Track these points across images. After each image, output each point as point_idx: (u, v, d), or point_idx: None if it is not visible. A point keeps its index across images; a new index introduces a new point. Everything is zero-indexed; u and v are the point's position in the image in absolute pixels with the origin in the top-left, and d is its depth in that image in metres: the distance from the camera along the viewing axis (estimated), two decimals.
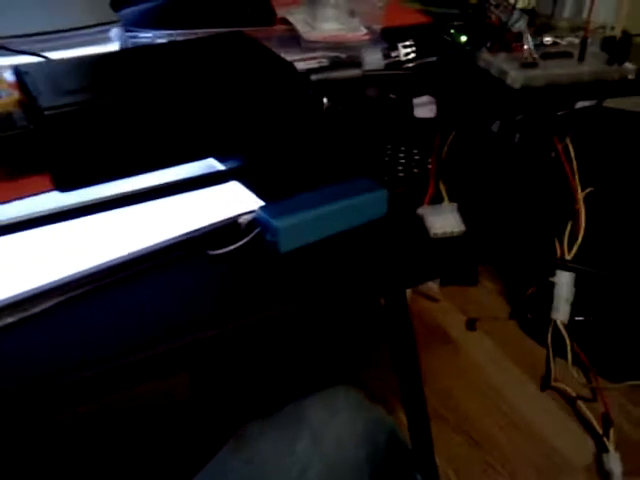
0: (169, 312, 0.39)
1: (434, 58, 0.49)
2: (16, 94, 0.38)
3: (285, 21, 0.62)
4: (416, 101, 0.46)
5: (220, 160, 0.43)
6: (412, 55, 0.49)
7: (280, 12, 0.63)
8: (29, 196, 0.35)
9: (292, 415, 0.56)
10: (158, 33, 0.53)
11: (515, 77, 0.48)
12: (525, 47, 0.49)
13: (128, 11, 0.57)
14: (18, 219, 0.35)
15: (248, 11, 0.56)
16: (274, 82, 0.42)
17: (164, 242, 0.41)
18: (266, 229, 0.41)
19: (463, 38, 0.55)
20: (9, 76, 0.41)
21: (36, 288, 0.36)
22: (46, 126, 0.34)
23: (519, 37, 0.52)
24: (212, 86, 0.40)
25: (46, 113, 0.34)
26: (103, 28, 0.53)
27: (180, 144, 0.40)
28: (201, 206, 0.43)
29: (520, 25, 0.49)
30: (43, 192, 0.35)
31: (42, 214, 0.34)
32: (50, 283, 0.37)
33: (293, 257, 0.41)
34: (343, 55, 0.52)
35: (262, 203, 0.43)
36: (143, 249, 0.40)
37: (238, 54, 0.44)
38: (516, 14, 0.49)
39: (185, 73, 0.41)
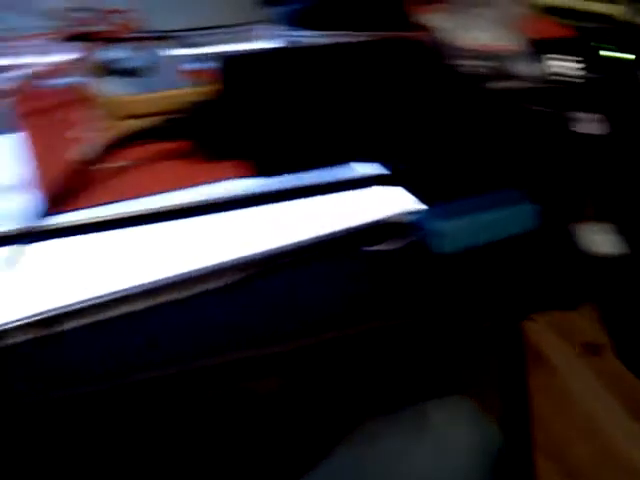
0: (321, 304, 0.40)
1: (598, 75, 0.48)
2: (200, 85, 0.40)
3: (422, 27, 0.62)
4: (582, 116, 0.45)
5: (384, 164, 0.44)
6: (574, 71, 0.48)
7: (421, 19, 0.63)
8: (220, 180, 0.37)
9: (413, 418, 0.57)
10: (312, 33, 0.55)
11: None
12: None
13: (279, 10, 0.59)
14: (205, 202, 0.37)
15: (399, 16, 0.57)
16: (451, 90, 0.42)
17: (322, 236, 0.42)
18: (427, 230, 0.41)
19: (630, 56, 0.53)
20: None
21: (196, 270, 0.37)
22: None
23: None
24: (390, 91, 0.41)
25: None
26: (251, 27, 0.55)
27: (357, 144, 0.41)
28: (360, 204, 0.44)
29: None
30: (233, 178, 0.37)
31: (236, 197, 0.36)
32: (213, 266, 0.38)
33: (446, 261, 0.42)
34: (496, 64, 0.52)
35: (419, 206, 0.43)
36: (302, 241, 0.42)
37: (409, 60, 0.44)
38: None
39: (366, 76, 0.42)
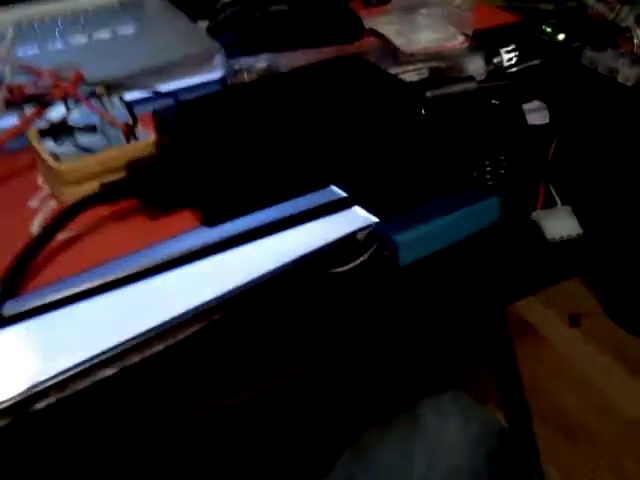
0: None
1: (537, 61, 0.49)
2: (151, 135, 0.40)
3: (374, 32, 0.62)
4: (527, 107, 0.46)
5: (339, 186, 0.44)
6: (515, 60, 0.49)
7: (366, 23, 0.63)
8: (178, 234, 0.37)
9: (406, 422, 0.57)
10: (256, 58, 0.55)
11: (628, 74, 0.47)
12: (636, 42, 0.48)
13: (226, 37, 0.59)
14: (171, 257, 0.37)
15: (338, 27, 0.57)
16: (391, 104, 0.43)
17: (286, 264, 0.42)
18: (385, 244, 0.42)
19: (561, 36, 0.54)
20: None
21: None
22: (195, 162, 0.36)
23: (622, 31, 0.50)
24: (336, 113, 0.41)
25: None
26: (205, 57, 0.54)
27: (310, 172, 0.41)
28: (317, 225, 0.44)
29: (629, 19, 0.48)
30: (189, 229, 0.37)
31: (193, 250, 0.36)
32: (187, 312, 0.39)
33: (411, 271, 0.42)
34: (442, 65, 0.52)
35: (375, 219, 0.44)
36: (265, 273, 0.42)
37: (356, 78, 0.45)
38: (625, 9, 0.48)
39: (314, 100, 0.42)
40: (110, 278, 0.36)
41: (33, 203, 0.41)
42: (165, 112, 0.38)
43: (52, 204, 0.41)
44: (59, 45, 0.52)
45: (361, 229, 0.43)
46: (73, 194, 0.39)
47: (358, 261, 0.42)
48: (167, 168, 0.37)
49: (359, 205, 0.44)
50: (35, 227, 0.39)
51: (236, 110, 0.41)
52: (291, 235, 0.42)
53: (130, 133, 0.41)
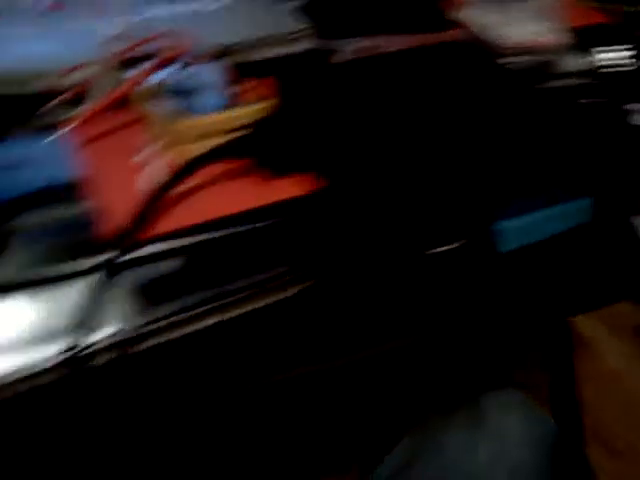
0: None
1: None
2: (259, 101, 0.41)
3: (460, 24, 0.60)
4: (631, 107, 0.45)
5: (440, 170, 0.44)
6: (614, 60, 0.48)
7: (452, 14, 0.62)
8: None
9: (470, 413, 0.57)
10: (347, 40, 0.55)
11: None
12: None
13: (317, 16, 0.59)
14: None
15: (434, 14, 0.56)
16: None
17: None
18: (486, 229, 0.42)
19: None
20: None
21: None
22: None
23: None
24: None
25: None
26: (297, 34, 0.55)
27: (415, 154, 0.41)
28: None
29: None
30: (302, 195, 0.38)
31: None
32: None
33: (509, 258, 0.42)
34: (537, 59, 0.52)
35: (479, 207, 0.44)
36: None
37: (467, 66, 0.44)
38: None
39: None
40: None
41: (139, 158, 0.42)
42: (289, 78, 0.39)
43: (159, 161, 0.42)
44: (175, 10, 0.53)
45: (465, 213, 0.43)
46: (185, 152, 0.40)
47: (455, 244, 0.42)
48: (289, 132, 0.38)
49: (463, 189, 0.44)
50: (142, 182, 0.40)
51: (350, 86, 0.41)
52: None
53: (240, 97, 0.41)
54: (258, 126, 0.39)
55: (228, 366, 0.39)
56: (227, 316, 0.38)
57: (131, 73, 0.44)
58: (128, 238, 0.33)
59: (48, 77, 0.50)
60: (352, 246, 0.40)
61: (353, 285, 0.43)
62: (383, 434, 0.60)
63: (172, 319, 0.35)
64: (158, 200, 0.35)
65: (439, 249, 0.42)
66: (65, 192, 0.40)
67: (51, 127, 0.47)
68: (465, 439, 0.55)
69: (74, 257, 0.34)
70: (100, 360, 0.34)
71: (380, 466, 0.59)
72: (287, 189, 0.38)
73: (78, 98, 0.48)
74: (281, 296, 0.39)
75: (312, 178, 0.39)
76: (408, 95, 0.42)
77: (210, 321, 0.36)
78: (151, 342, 0.35)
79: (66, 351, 0.32)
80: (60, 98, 0.48)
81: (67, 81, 0.48)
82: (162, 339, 0.35)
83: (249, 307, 0.38)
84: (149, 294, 0.35)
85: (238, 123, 0.40)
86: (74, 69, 0.48)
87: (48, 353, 0.33)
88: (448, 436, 0.56)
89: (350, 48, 0.53)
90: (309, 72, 0.41)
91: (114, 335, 0.34)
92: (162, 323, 0.34)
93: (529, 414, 0.59)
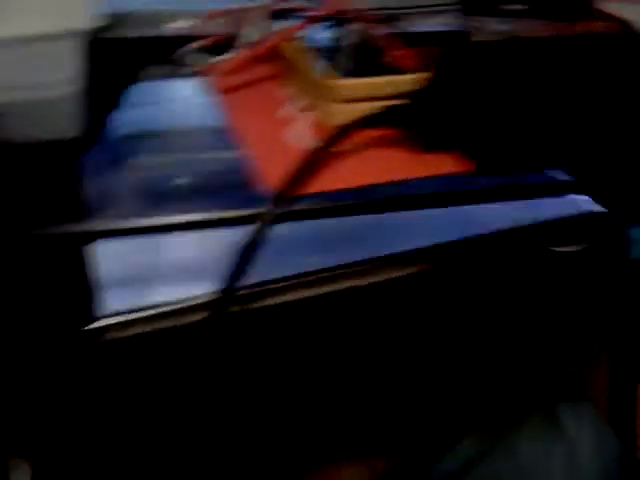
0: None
1: None
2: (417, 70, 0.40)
3: (609, 15, 0.58)
4: None
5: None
6: None
7: (600, 4, 0.60)
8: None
9: (546, 420, 0.57)
10: (495, 19, 0.53)
11: None
12: None
13: None
14: None
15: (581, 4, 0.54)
16: None
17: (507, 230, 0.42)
18: (616, 234, 0.41)
19: None
20: None
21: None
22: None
23: None
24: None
25: None
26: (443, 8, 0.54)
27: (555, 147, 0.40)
28: (544, 202, 0.43)
29: None
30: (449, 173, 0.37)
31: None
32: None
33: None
34: None
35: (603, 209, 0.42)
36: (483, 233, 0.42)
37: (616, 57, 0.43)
38: None
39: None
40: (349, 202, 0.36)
41: (282, 113, 0.42)
42: (444, 52, 0.38)
43: (304, 117, 0.41)
44: None
45: (588, 215, 0.42)
46: (334, 112, 0.39)
47: (582, 246, 0.41)
48: (443, 106, 0.37)
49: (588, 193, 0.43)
50: (290, 137, 0.39)
51: (512, 65, 0.40)
52: (516, 205, 0.42)
53: (394, 64, 0.40)
54: (413, 97, 0.38)
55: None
56: (357, 283, 0.37)
57: (281, 25, 0.44)
58: (284, 193, 0.33)
59: (186, 20, 0.49)
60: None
61: (473, 273, 0.42)
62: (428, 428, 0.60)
63: (311, 277, 0.35)
64: (314, 160, 0.35)
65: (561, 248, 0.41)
66: (212, 137, 0.39)
67: (188, 72, 0.47)
68: (540, 445, 0.55)
69: (227, 203, 0.34)
70: (243, 306, 0.34)
71: (441, 462, 0.59)
72: (437, 165, 0.37)
73: (219, 45, 0.48)
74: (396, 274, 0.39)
75: (459, 157, 0.38)
76: (555, 85, 0.41)
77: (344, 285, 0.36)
78: (290, 297, 0.35)
79: (214, 293, 0.32)
80: (199, 43, 0.47)
81: (207, 27, 0.48)
82: (301, 295, 0.35)
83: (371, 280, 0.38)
84: (294, 249, 0.35)
85: (389, 91, 0.39)
86: (216, 15, 0.47)
87: (197, 293, 0.33)
88: (521, 439, 0.56)
89: (495, 28, 0.52)
90: (464, 48, 0.39)
91: (260, 284, 0.34)
92: (307, 278, 0.34)
93: (601, 429, 0.58)
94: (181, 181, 0.36)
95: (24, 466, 0.44)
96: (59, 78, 0.35)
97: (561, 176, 0.43)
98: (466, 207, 0.40)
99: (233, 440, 0.41)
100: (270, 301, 0.33)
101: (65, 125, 0.37)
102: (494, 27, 0.54)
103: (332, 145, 0.36)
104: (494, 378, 0.61)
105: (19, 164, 0.35)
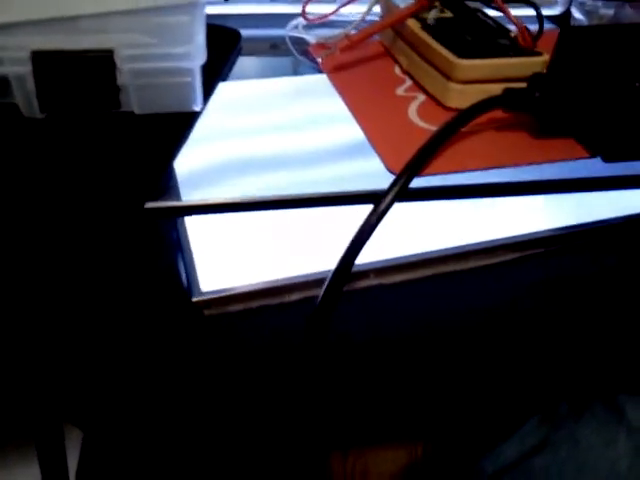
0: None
1: None
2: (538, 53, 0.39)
3: None
4: None
5: None
6: None
7: None
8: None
9: (607, 408, 0.56)
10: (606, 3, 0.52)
11: None
12: None
13: None
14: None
15: None
16: None
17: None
18: None
19: None
20: None
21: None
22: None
23: None
24: None
25: None
26: None
27: None
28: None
29: None
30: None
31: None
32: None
33: None
34: None
35: None
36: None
37: None
38: None
39: None
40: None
41: (400, 91, 0.42)
42: (568, 36, 0.37)
43: (421, 96, 0.41)
44: None
45: None
46: (455, 91, 0.39)
47: None
48: (562, 93, 0.36)
49: None
50: (412, 114, 0.39)
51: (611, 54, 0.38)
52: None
53: (527, 46, 0.39)
54: (534, 80, 0.37)
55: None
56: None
57: (402, 4, 0.43)
58: (412, 171, 0.33)
59: None
60: None
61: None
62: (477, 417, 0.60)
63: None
64: (441, 140, 0.35)
65: None
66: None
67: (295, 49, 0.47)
68: (604, 432, 0.54)
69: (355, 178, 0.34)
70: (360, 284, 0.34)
71: (496, 450, 0.59)
72: (553, 151, 0.36)
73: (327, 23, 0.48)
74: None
75: (574, 144, 0.37)
76: None
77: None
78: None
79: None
80: (308, 19, 0.47)
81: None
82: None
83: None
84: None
85: (509, 73, 0.38)
86: None
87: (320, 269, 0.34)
88: (584, 428, 0.55)
89: (613, 13, 0.50)
90: (583, 32, 0.38)
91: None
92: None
93: None
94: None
95: (76, 432, 0.46)
96: (188, 50, 0.36)
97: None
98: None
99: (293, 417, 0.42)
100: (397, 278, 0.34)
101: (189, 98, 0.37)
102: (601, 12, 0.52)
103: (458, 127, 0.35)
104: (551, 365, 0.60)
105: (135, 137, 0.35)
